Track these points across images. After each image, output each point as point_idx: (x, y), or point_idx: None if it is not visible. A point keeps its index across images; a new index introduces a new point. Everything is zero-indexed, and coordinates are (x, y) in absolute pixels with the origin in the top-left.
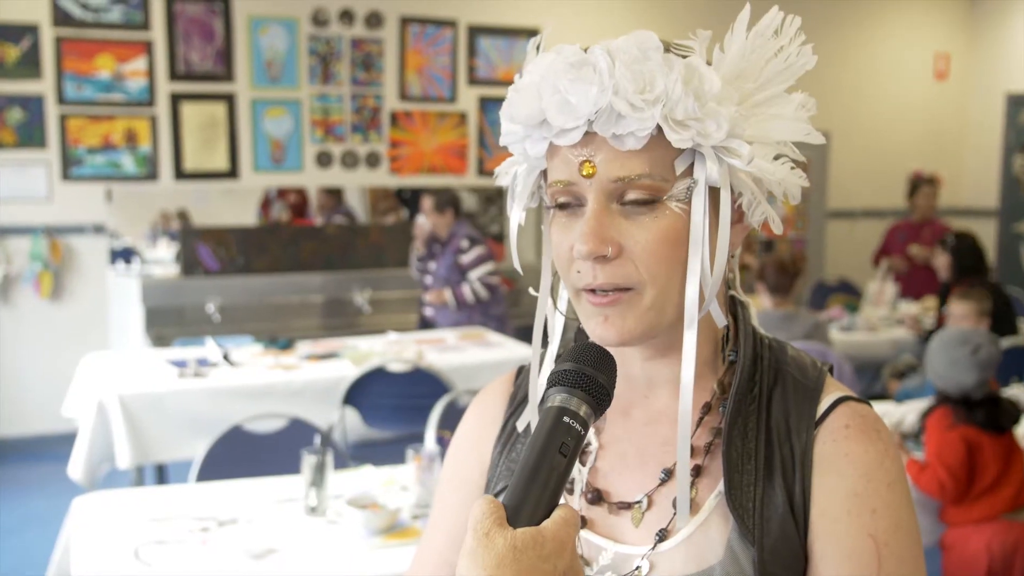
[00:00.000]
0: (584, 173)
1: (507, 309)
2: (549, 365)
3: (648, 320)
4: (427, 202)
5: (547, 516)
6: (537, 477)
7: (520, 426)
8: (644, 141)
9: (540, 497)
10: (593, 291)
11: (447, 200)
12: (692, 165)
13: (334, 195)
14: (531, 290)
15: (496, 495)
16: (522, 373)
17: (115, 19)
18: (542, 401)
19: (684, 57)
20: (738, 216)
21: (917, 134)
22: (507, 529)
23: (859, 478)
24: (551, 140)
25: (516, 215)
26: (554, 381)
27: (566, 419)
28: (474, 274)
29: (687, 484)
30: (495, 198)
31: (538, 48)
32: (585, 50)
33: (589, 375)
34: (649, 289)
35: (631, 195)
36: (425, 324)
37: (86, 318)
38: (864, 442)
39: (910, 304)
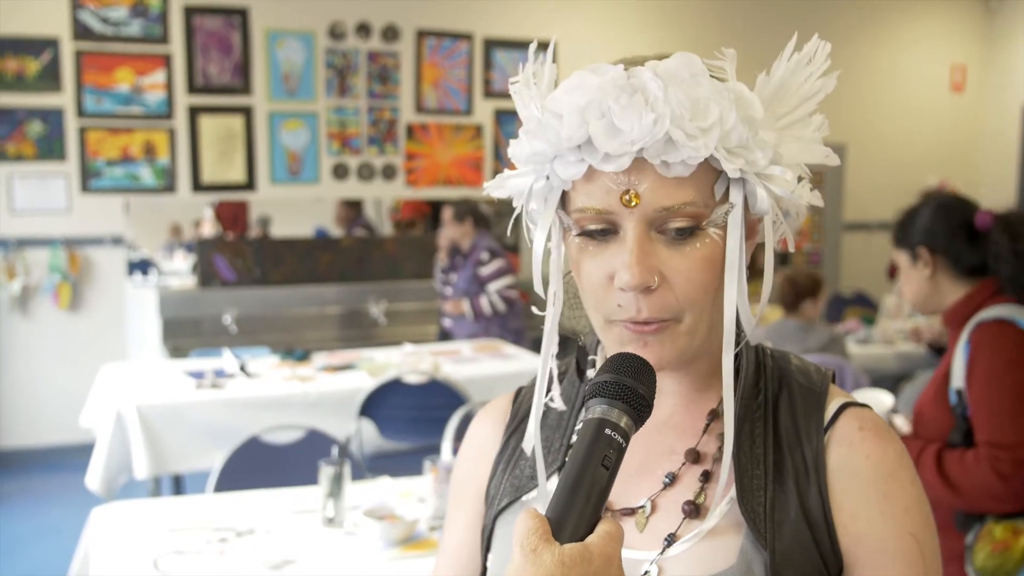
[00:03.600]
0: (627, 203)
1: (524, 322)
2: (551, 386)
3: (683, 345)
4: (447, 212)
5: (590, 531)
6: (579, 491)
7: (527, 448)
8: (692, 169)
9: (583, 511)
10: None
11: (466, 210)
12: (727, 190)
13: (354, 207)
14: (535, 309)
15: (500, 511)
16: (521, 394)
17: (134, 33)
18: (583, 411)
19: (723, 80)
20: (754, 233)
21: (933, 146)
22: (554, 545)
23: (885, 479)
24: (593, 164)
25: (540, 239)
26: (594, 392)
27: (607, 431)
28: (493, 286)
29: (728, 464)
30: (510, 211)
31: (548, 57)
32: (626, 69)
33: (629, 386)
34: (688, 316)
35: (674, 223)
36: (445, 335)
37: (104, 329)
38: (882, 443)
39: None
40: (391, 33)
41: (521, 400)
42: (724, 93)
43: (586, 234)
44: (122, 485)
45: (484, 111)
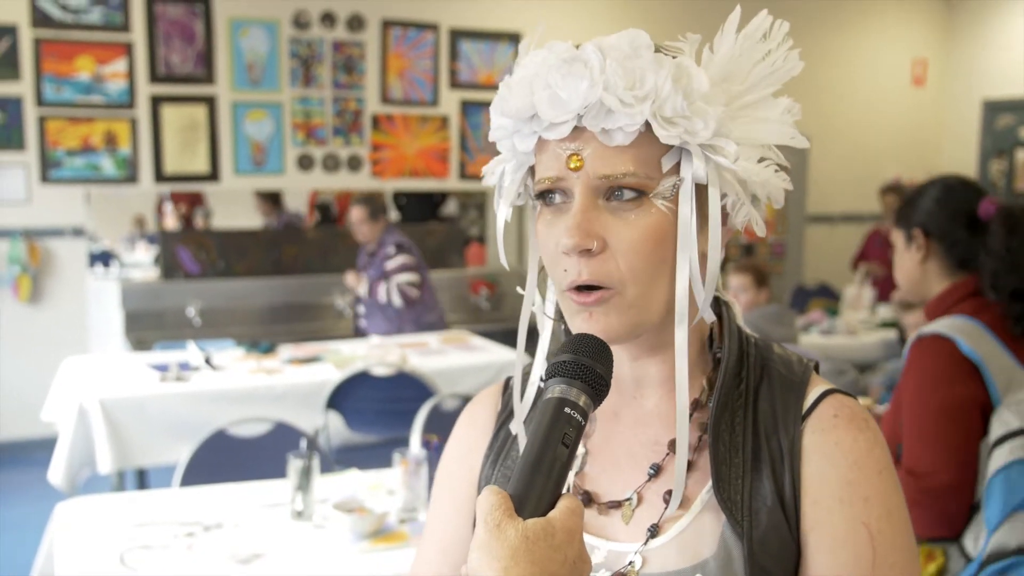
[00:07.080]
0: (571, 166)
1: (442, 315)
2: (540, 368)
3: (631, 318)
4: (359, 211)
5: (551, 507)
6: (540, 468)
7: (515, 429)
8: (632, 137)
9: (544, 488)
10: (578, 289)
11: (381, 207)
12: (679, 164)
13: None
14: (519, 289)
15: None
16: (510, 383)
17: (95, 20)
18: (541, 393)
19: (673, 57)
20: (722, 218)
21: (895, 139)
22: (517, 520)
23: (850, 466)
24: (540, 134)
25: (503, 212)
26: (553, 372)
27: (567, 410)
28: (395, 279)
29: (684, 465)
30: (476, 202)
31: (532, 45)
32: (577, 47)
33: (587, 365)
34: (630, 288)
35: (617, 192)
36: (359, 333)
37: (65, 322)
38: (853, 431)
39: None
40: (356, 23)
41: (509, 392)
42: (664, 64)
43: (545, 203)
44: (85, 480)
45: (450, 102)
